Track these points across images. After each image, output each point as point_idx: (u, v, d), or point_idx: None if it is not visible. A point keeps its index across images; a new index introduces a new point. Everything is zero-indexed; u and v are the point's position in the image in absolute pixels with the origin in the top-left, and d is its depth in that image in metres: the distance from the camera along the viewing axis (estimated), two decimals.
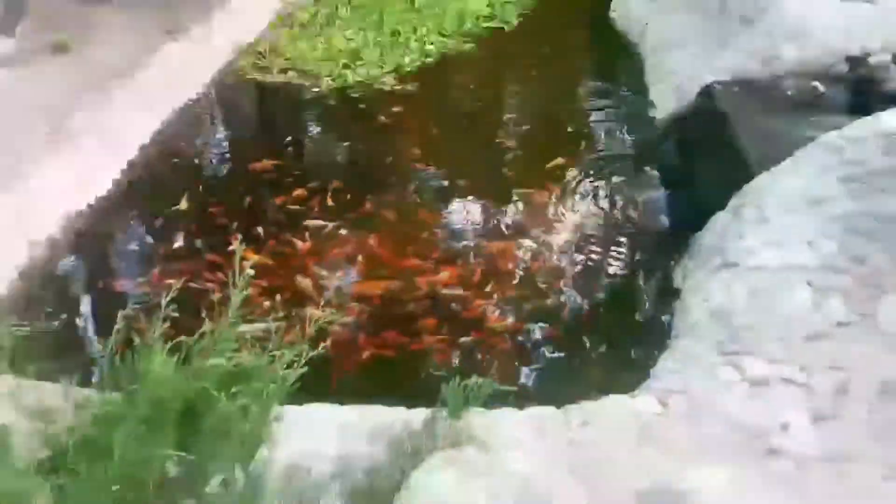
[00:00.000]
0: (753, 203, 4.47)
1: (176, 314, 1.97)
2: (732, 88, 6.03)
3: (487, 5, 9.82)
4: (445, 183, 5.97)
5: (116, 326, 1.97)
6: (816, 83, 5.95)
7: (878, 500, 2.70)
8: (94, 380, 3.81)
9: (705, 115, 5.99)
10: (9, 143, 5.90)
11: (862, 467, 2.89)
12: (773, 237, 4.21)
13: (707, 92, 6.13)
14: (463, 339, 4.26)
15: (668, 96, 6.75)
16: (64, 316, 4.83)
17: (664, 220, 5.47)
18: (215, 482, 1.88)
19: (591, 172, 6.03)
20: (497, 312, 4.49)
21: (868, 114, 4.65)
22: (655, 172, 6.04)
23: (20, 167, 5.63)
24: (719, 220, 4.65)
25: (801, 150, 4.58)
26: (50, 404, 2.02)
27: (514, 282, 4.74)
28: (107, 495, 1.68)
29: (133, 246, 5.57)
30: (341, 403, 3.30)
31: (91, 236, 5.48)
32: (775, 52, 6.15)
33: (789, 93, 5.96)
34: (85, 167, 5.88)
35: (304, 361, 2.00)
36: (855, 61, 5.97)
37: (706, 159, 5.64)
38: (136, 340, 1.92)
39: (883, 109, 4.69)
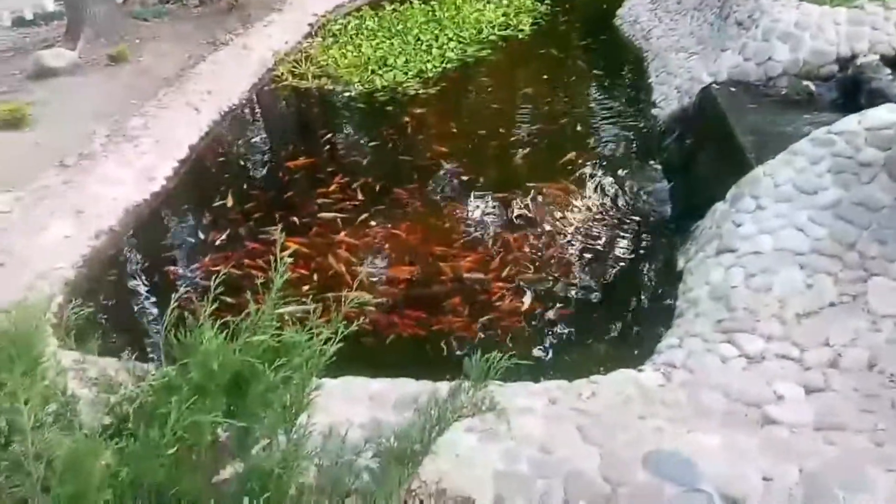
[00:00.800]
0: (750, 193, 4.41)
1: (224, 296, 1.98)
2: (730, 88, 5.95)
3: (503, 14, 9.78)
4: (466, 177, 5.95)
5: (171, 307, 1.98)
6: (808, 83, 5.86)
7: (864, 464, 2.66)
8: (150, 354, 3.86)
9: (705, 112, 5.92)
10: (74, 144, 5.98)
11: (850, 435, 2.85)
12: (768, 224, 4.15)
13: (707, 91, 6.06)
14: (483, 318, 4.25)
15: (670, 96, 6.68)
16: (122, 297, 4.89)
17: (667, 210, 5.41)
18: (260, 446, 1.90)
19: (600, 166, 5.99)
20: (514, 294, 4.47)
21: (857, 110, 4.56)
22: (659, 166, 5.99)
23: (84, 166, 5.70)
24: (718, 209, 4.60)
25: (794, 145, 4.51)
26: (111, 376, 2.04)
27: (530, 266, 4.71)
28: (163, 457, 1.69)
29: (185, 236, 5.62)
30: (373, 375, 3.32)
31: (147, 227, 5.54)
32: (770, 55, 6.05)
33: (783, 92, 5.87)
34: (141, 165, 5.94)
35: (339, 338, 2.00)
36: (844, 62, 5.87)
37: (706, 153, 5.57)
38: (189, 319, 1.93)
39: (870, 106, 4.61)
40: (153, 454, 1.70)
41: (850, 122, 4.36)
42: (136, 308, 4.78)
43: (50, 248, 4.71)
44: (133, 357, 2.18)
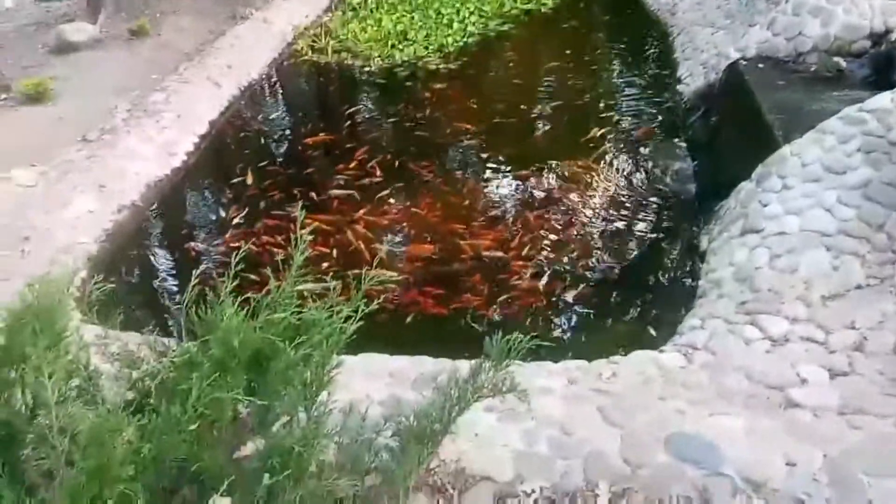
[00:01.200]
0: (777, 172, 4.33)
1: (245, 272, 1.98)
2: (758, 64, 5.83)
3: None
4: (487, 154, 5.91)
5: (191, 283, 1.99)
6: (839, 59, 5.71)
7: (889, 448, 2.63)
8: (171, 329, 3.89)
9: (732, 89, 5.81)
10: (96, 119, 6.00)
11: (875, 420, 2.82)
12: (794, 204, 4.08)
13: (734, 67, 5.94)
14: (503, 297, 4.23)
15: (696, 72, 6.56)
16: (144, 272, 4.93)
17: (691, 189, 5.34)
18: (281, 423, 1.91)
19: (623, 144, 5.91)
20: (535, 273, 4.44)
21: (889, 88, 4.44)
22: (683, 144, 5.90)
23: (106, 140, 5.73)
24: (744, 188, 4.52)
25: (823, 123, 4.41)
26: (133, 351, 2.06)
27: (551, 245, 4.68)
28: (184, 433, 1.71)
29: (205, 212, 5.64)
30: (393, 353, 3.32)
31: (168, 202, 5.57)
32: (800, 30, 5.91)
33: (813, 68, 5.73)
34: (162, 140, 5.95)
35: (360, 315, 2.00)
36: (877, 37, 5.71)
37: (732, 131, 5.47)
38: (209, 295, 1.93)
39: None
40: (175, 430, 1.71)
41: (883, 99, 4.26)
42: (157, 283, 4.82)
43: (73, 222, 4.75)
44: (155, 332, 2.20)
